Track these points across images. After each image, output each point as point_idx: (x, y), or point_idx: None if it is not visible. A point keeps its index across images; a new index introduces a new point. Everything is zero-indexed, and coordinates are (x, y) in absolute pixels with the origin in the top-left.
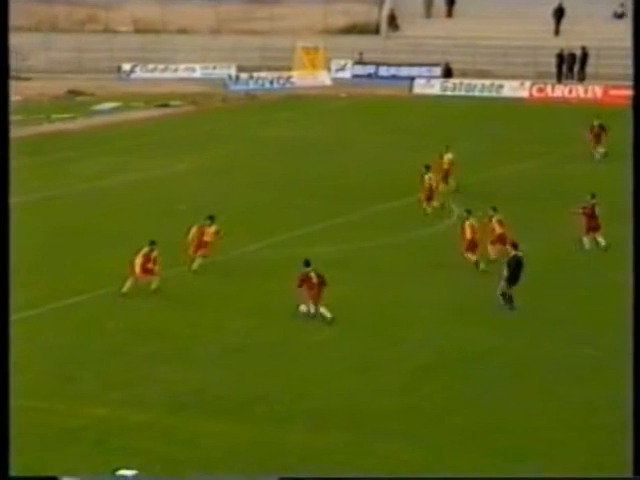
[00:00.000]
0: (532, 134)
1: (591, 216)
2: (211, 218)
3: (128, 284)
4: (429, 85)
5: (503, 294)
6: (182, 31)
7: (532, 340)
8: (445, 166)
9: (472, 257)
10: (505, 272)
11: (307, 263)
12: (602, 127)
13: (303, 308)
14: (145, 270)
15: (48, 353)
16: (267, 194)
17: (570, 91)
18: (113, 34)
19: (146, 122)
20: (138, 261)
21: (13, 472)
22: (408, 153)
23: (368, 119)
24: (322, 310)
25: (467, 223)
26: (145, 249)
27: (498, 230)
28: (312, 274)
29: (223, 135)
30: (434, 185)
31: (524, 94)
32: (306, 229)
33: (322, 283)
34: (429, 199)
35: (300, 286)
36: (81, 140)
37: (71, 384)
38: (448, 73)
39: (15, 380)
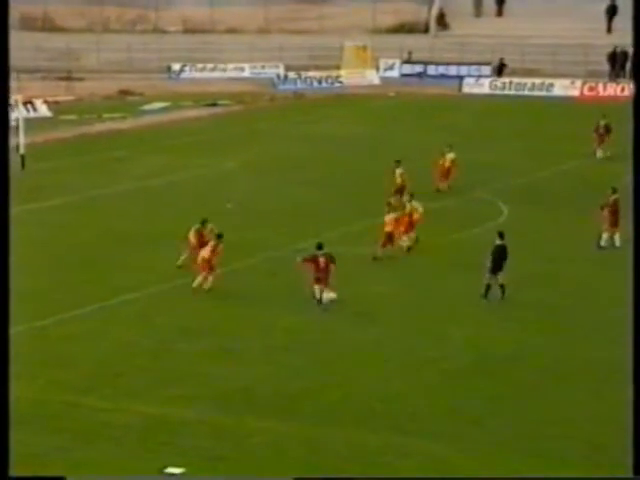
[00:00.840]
0: (582, 133)
1: (614, 212)
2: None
3: (183, 258)
4: (478, 84)
5: (487, 285)
6: (231, 31)
7: (574, 340)
8: (447, 164)
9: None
10: (488, 262)
11: (319, 246)
12: (607, 127)
13: (316, 292)
14: (201, 244)
15: (97, 350)
16: (314, 192)
17: (622, 89)
18: (163, 34)
19: (195, 121)
20: (192, 237)
21: (13, 472)
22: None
23: (416, 118)
24: (328, 294)
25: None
26: (197, 225)
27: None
28: (321, 258)
29: (271, 134)
30: (403, 181)
31: (575, 93)
32: (352, 227)
33: (330, 263)
34: (399, 193)
35: (304, 262)
36: (131, 139)
37: (119, 380)
38: (501, 69)
39: (64, 376)
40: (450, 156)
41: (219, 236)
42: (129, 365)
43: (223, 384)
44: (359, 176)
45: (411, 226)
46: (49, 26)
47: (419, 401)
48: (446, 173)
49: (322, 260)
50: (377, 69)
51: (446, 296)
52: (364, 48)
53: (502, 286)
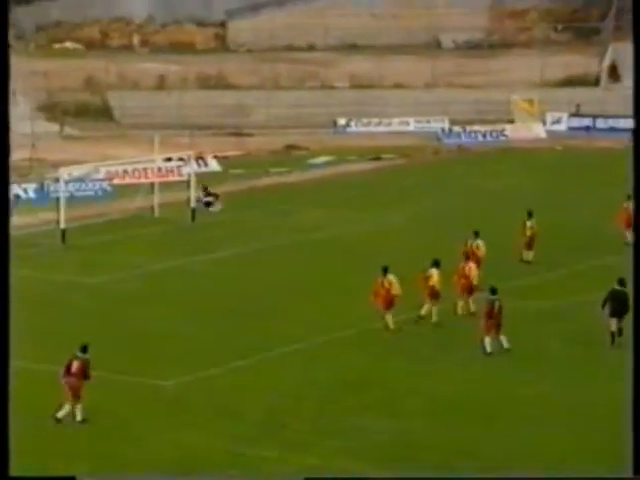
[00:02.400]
0: None
1: None
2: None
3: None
4: None
5: (612, 332)
6: (397, 86)
7: None
8: (528, 233)
9: None
10: (608, 308)
11: (493, 291)
12: None
13: (487, 342)
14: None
15: (263, 400)
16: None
17: None
18: (330, 90)
19: (359, 175)
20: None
21: (13, 472)
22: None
23: (583, 172)
24: (502, 338)
25: None
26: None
27: None
28: (495, 303)
29: (435, 187)
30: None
31: None
32: (522, 281)
33: (500, 312)
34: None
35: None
36: (296, 193)
37: (284, 431)
38: None
39: (231, 426)
40: (530, 224)
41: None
42: (294, 416)
43: (386, 438)
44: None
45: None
46: (223, 84)
47: (586, 460)
48: (529, 241)
49: (497, 305)
50: (544, 123)
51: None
52: (531, 102)
53: (619, 330)
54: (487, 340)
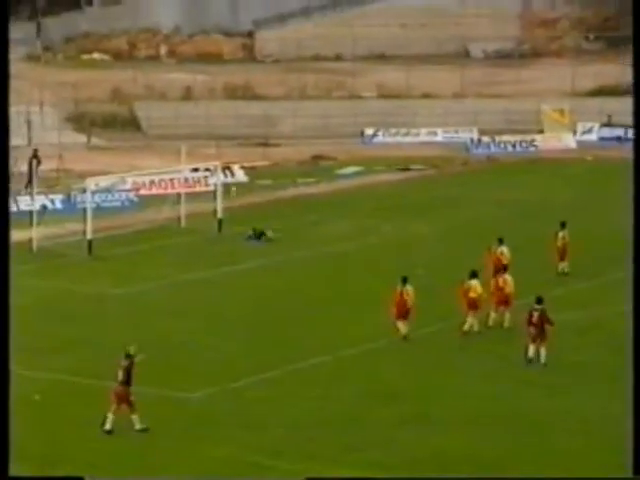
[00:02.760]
0: None
1: None
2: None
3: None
4: None
5: None
6: (426, 95)
7: None
8: (560, 244)
9: None
10: None
11: (539, 300)
12: None
13: (530, 351)
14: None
15: (289, 413)
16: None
17: None
18: (358, 100)
19: (387, 186)
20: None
21: (13, 472)
22: None
23: (614, 182)
24: (542, 351)
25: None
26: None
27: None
28: (535, 312)
29: (464, 198)
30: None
31: None
32: (555, 292)
33: (545, 322)
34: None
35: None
36: (324, 204)
37: (310, 445)
38: None
39: (256, 439)
40: (562, 234)
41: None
42: (320, 429)
43: (415, 451)
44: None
45: None
46: (250, 94)
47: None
48: (561, 253)
49: (536, 314)
50: (574, 133)
51: None
52: (562, 111)
53: None
54: (531, 348)
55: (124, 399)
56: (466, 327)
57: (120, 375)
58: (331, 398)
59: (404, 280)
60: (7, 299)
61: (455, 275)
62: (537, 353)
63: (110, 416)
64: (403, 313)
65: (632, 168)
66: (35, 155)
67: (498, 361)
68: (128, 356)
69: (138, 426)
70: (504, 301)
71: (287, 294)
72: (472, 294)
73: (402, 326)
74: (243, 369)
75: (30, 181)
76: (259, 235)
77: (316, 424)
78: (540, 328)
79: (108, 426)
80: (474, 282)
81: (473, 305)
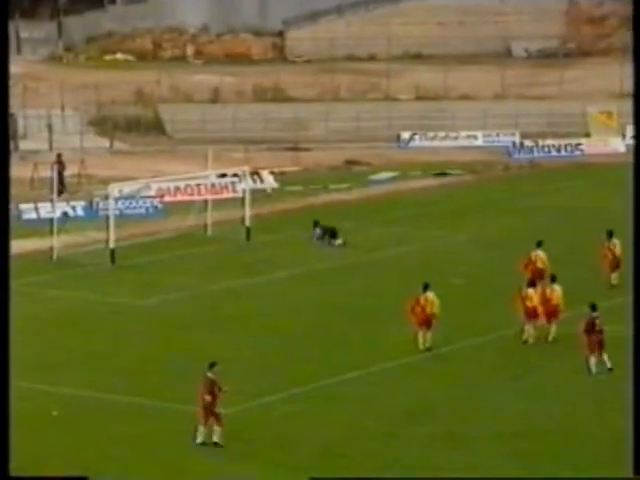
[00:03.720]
0: None
1: None
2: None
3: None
4: None
5: None
6: (464, 97)
7: None
8: (609, 255)
9: None
10: None
11: (593, 307)
12: None
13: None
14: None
15: (319, 431)
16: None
17: None
18: (394, 102)
19: (424, 192)
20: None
21: (13, 472)
22: None
23: None
24: (604, 358)
25: None
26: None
27: None
28: (597, 321)
29: (504, 205)
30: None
31: None
32: (605, 303)
33: (602, 329)
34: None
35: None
36: (357, 211)
37: (341, 463)
38: None
39: (285, 458)
40: (613, 243)
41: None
42: (353, 448)
43: (450, 472)
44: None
45: None
46: (280, 97)
47: None
48: (614, 264)
49: (598, 322)
50: (623, 136)
51: None
52: (610, 114)
53: None
54: (592, 360)
55: (211, 411)
56: (525, 337)
57: (205, 387)
58: (364, 415)
59: (425, 287)
60: (7, 303)
61: (494, 286)
62: (599, 362)
63: (201, 429)
64: (422, 322)
65: (632, 167)
66: (59, 160)
67: (537, 376)
68: (212, 366)
69: (216, 438)
70: (552, 313)
71: (317, 306)
72: (529, 303)
73: (423, 336)
74: (274, 384)
75: (60, 190)
76: (330, 233)
77: (348, 443)
78: (601, 336)
79: (200, 439)
80: (531, 291)
81: (532, 314)
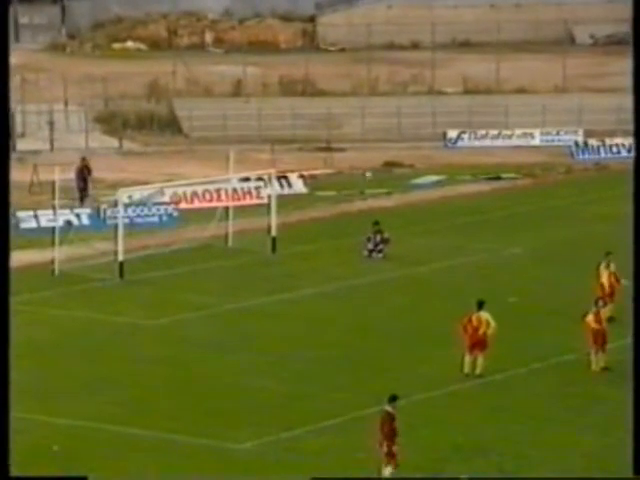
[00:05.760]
0: None
1: None
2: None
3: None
4: None
5: None
6: (520, 90)
7: None
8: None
9: None
10: None
11: None
12: None
13: None
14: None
15: (354, 468)
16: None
17: None
18: (439, 96)
19: (474, 198)
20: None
21: (13, 472)
22: None
23: None
24: None
25: None
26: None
27: None
28: None
29: (566, 213)
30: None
31: None
32: None
33: None
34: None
35: None
36: (397, 219)
37: None
38: None
39: None
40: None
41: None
42: None
43: None
44: None
45: None
46: (310, 90)
47: None
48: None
49: None
50: None
51: None
52: None
53: None
54: None
55: (389, 451)
56: (593, 365)
57: (384, 423)
58: (404, 449)
59: (480, 305)
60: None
61: (554, 305)
62: None
63: (385, 468)
64: (474, 344)
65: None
66: (85, 164)
67: (606, 409)
68: (393, 399)
69: (388, 473)
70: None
71: (351, 327)
72: (596, 325)
73: (473, 360)
74: (299, 416)
75: (82, 198)
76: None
77: None
78: None
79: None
80: (598, 310)
81: (599, 338)
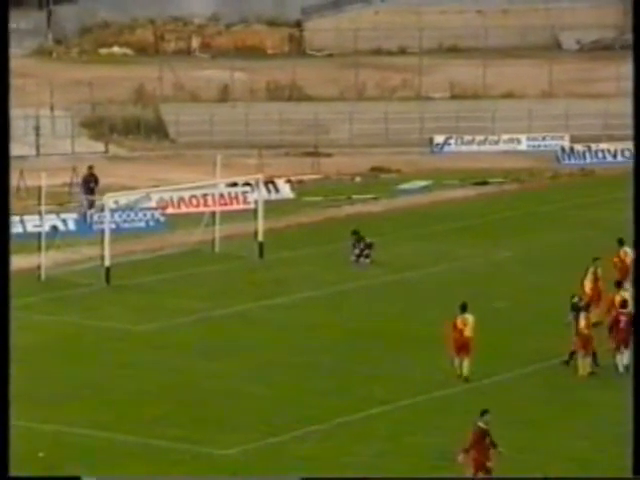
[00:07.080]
0: None
1: None
2: None
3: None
4: None
5: None
6: (507, 95)
7: None
8: (619, 265)
9: None
10: None
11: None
12: None
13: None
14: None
15: (339, 473)
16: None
17: None
18: (426, 101)
19: (461, 203)
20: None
21: (13, 472)
22: None
23: None
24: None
25: None
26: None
27: None
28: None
29: (552, 218)
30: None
31: None
32: None
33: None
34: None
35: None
36: (384, 224)
37: None
38: None
39: None
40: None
41: None
42: None
43: None
44: None
45: None
46: (297, 95)
47: None
48: (622, 277)
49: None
50: None
51: None
52: None
53: None
54: None
55: (483, 466)
56: (581, 370)
57: (475, 439)
58: (392, 456)
59: (463, 307)
60: (7, 301)
61: (541, 310)
62: None
63: None
64: (460, 347)
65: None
66: (91, 173)
67: (592, 413)
68: (483, 414)
69: None
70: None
71: (339, 332)
72: (586, 330)
73: (460, 363)
74: (288, 421)
75: (90, 207)
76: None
77: None
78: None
79: None
80: (584, 314)
81: (584, 342)
